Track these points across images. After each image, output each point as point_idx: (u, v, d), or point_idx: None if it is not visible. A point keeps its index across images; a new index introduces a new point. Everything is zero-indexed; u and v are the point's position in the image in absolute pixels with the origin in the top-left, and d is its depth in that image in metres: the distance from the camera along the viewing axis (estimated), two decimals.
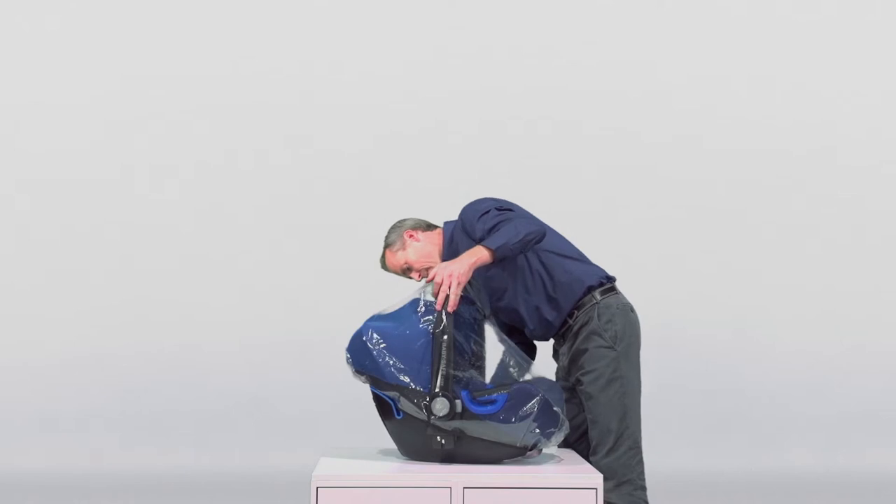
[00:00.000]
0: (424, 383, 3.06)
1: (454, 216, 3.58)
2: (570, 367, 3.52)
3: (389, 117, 6.67)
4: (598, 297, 3.48)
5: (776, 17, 6.79)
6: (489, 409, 3.05)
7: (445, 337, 3.06)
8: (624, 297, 3.54)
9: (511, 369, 3.34)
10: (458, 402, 3.03)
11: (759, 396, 6.63)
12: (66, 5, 6.70)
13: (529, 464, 3.13)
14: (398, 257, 3.57)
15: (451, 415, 3.02)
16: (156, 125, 6.68)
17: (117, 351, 6.56)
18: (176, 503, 5.80)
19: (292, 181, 6.68)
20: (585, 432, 3.54)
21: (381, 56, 6.72)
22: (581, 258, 3.55)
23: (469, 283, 3.24)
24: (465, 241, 3.46)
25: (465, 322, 3.19)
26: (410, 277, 3.59)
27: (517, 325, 3.59)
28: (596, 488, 2.90)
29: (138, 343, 6.57)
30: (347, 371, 3.18)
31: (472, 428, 3.04)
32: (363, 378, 3.15)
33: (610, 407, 3.42)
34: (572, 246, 3.57)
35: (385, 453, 3.29)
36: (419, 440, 3.07)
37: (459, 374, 3.07)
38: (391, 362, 3.09)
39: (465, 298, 3.22)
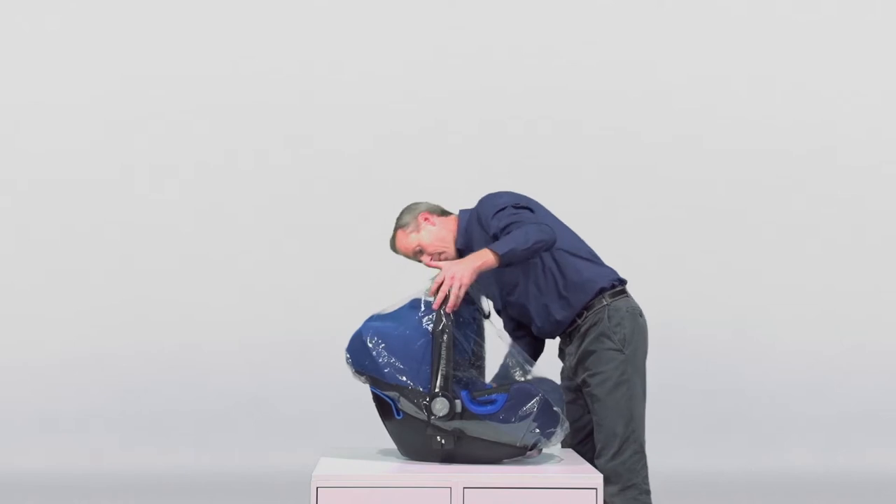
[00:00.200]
0: (424, 383, 3.06)
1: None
2: (576, 368, 3.52)
3: (389, 117, 6.67)
4: (609, 299, 3.47)
5: (776, 17, 6.79)
6: (489, 409, 3.05)
7: (445, 337, 3.06)
8: (633, 301, 3.53)
9: (512, 370, 3.34)
10: (457, 402, 3.03)
11: (759, 396, 6.63)
12: (66, 5, 6.70)
13: (529, 464, 3.13)
14: (411, 239, 3.53)
15: (451, 415, 3.02)
16: (156, 125, 6.68)
17: (117, 351, 6.56)
18: (176, 503, 5.80)
19: (292, 181, 6.68)
20: (590, 434, 3.53)
21: (381, 56, 6.73)
22: (594, 259, 3.54)
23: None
24: (478, 233, 3.45)
25: (465, 322, 3.19)
26: (419, 261, 3.55)
27: (524, 321, 3.59)
28: (596, 488, 2.90)
29: (138, 343, 6.57)
30: (347, 371, 3.18)
31: (471, 428, 3.04)
32: (363, 378, 3.15)
33: (616, 410, 3.42)
34: (586, 245, 3.56)
35: (385, 453, 3.29)
36: (419, 440, 3.07)
37: (459, 374, 3.07)
38: (391, 362, 3.09)
39: (465, 298, 3.21)
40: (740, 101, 6.76)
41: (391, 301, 3.26)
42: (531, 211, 3.43)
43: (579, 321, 3.49)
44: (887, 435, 6.57)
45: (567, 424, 3.15)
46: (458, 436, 3.04)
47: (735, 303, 6.68)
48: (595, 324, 3.46)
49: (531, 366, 3.31)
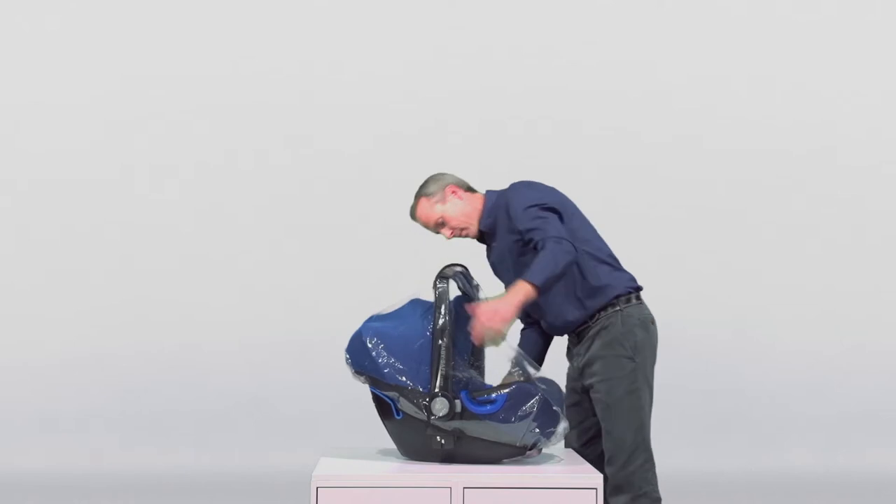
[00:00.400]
0: (424, 383, 3.06)
1: None
2: (583, 370, 3.50)
3: (389, 117, 6.67)
4: (623, 304, 3.46)
5: (776, 17, 6.79)
6: (488, 408, 3.05)
7: (445, 337, 3.06)
8: (647, 309, 3.52)
9: (513, 369, 3.33)
10: (457, 402, 3.03)
11: (759, 396, 6.63)
12: (66, 5, 6.70)
13: (529, 464, 3.13)
14: (436, 209, 3.47)
15: (451, 415, 3.02)
16: (156, 125, 6.68)
17: (117, 351, 6.56)
18: (176, 503, 5.80)
19: (292, 181, 6.67)
20: (594, 437, 3.52)
21: (381, 56, 6.72)
22: (614, 262, 3.52)
23: (469, 281, 3.24)
24: (503, 220, 3.41)
25: (465, 322, 3.18)
26: (439, 233, 3.52)
27: (535, 316, 3.58)
28: (596, 488, 2.90)
29: (138, 343, 6.57)
30: (347, 371, 3.18)
31: (471, 428, 3.04)
32: (363, 378, 3.15)
33: (626, 418, 3.41)
34: (607, 247, 3.54)
35: (385, 453, 3.29)
36: (419, 440, 3.07)
37: (459, 374, 3.07)
38: (391, 362, 3.09)
39: (465, 297, 3.22)
40: (740, 101, 6.76)
41: (391, 301, 3.26)
42: (557, 213, 3.38)
43: (590, 322, 3.48)
44: (887, 435, 6.57)
45: (567, 424, 3.15)
46: (458, 436, 3.04)
47: (735, 303, 6.68)
48: (606, 327, 3.45)
49: (535, 368, 3.30)
